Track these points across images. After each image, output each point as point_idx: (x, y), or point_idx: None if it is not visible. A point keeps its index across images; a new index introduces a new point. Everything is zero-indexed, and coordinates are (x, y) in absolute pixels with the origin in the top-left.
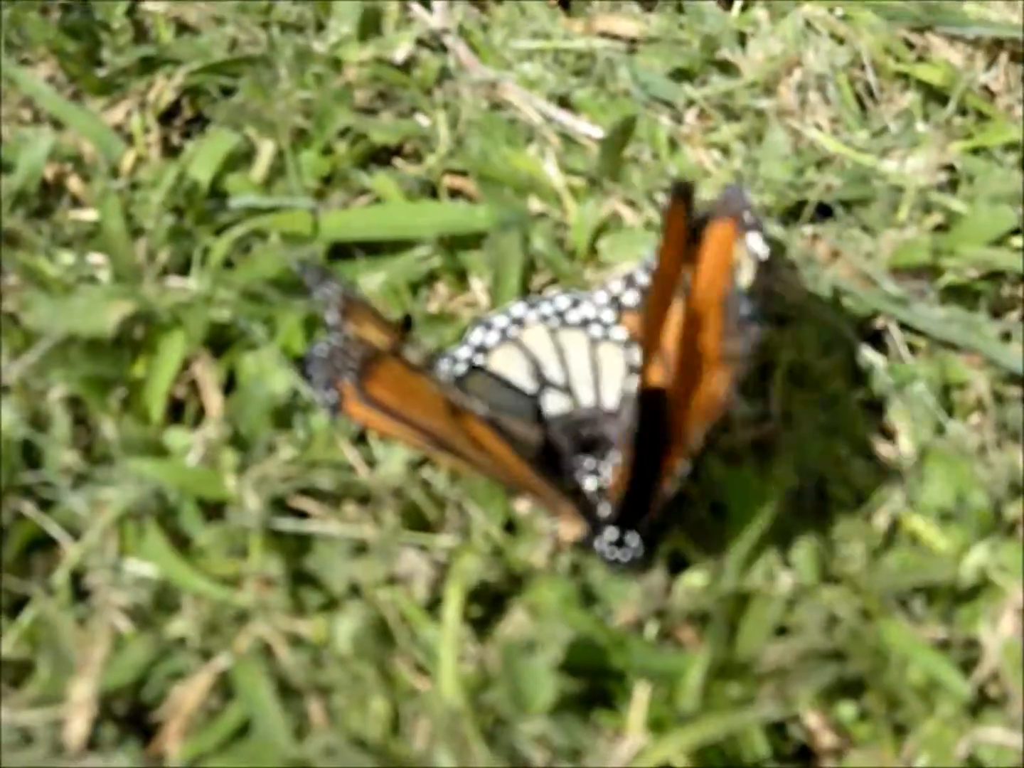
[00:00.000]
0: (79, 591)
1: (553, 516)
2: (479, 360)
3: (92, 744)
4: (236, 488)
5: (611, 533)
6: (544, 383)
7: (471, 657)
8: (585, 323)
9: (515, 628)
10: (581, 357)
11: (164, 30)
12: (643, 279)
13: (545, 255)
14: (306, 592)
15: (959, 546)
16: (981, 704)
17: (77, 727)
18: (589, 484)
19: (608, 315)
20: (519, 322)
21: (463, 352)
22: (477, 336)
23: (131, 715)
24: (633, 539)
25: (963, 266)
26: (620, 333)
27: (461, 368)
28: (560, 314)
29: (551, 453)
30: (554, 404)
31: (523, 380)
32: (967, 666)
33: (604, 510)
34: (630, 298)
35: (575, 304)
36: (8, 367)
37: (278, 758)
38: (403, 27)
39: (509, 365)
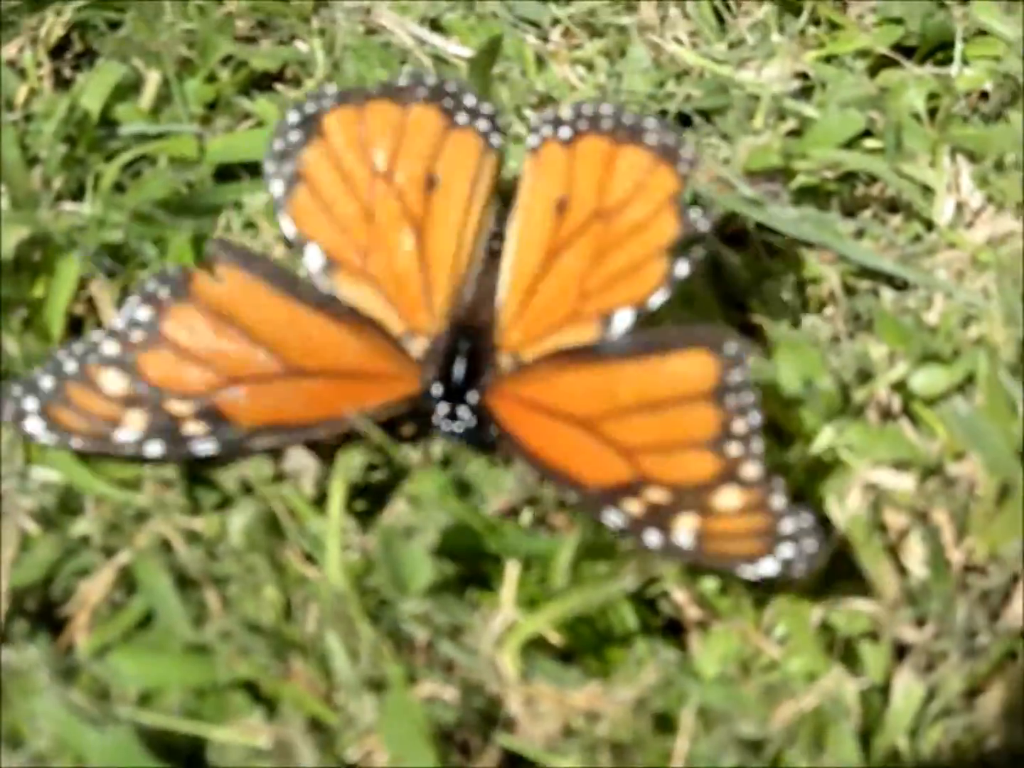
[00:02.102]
0: None
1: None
2: None
3: (5, 638)
4: None
5: (443, 407)
6: None
7: (355, 546)
8: None
9: (395, 518)
10: None
11: None
12: None
13: None
14: (200, 491)
15: (809, 428)
16: (834, 575)
17: None
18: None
19: None
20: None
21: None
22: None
23: (40, 611)
24: (464, 412)
25: (815, 168)
26: None
27: None
28: None
29: None
30: None
31: None
32: None
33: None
34: None
35: None
36: None
37: (179, 644)
38: None
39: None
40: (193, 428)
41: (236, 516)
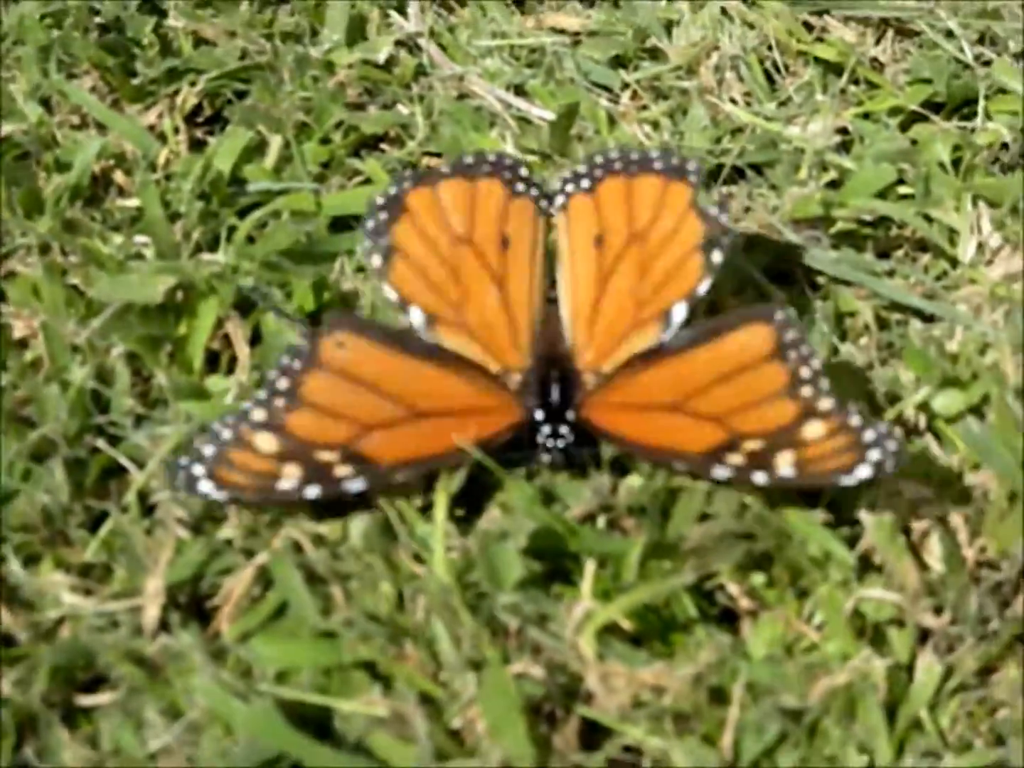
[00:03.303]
0: (146, 508)
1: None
2: None
3: (163, 627)
4: None
5: (546, 429)
6: None
7: (457, 547)
8: None
9: (490, 523)
10: None
11: (185, 43)
12: None
13: None
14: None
15: None
16: (864, 570)
17: (151, 613)
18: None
19: None
20: None
21: None
22: None
23: (191, 604)
24: (564, 430)
25: (852, 215)
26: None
27: None
28: None
29: None
30: None
31: None
32: (852, 541)
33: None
34: None
35: None
36: (77, 331)
37: (309, 631)
38: (384, 32)
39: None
40: (342, 471)
41: (356, 522)
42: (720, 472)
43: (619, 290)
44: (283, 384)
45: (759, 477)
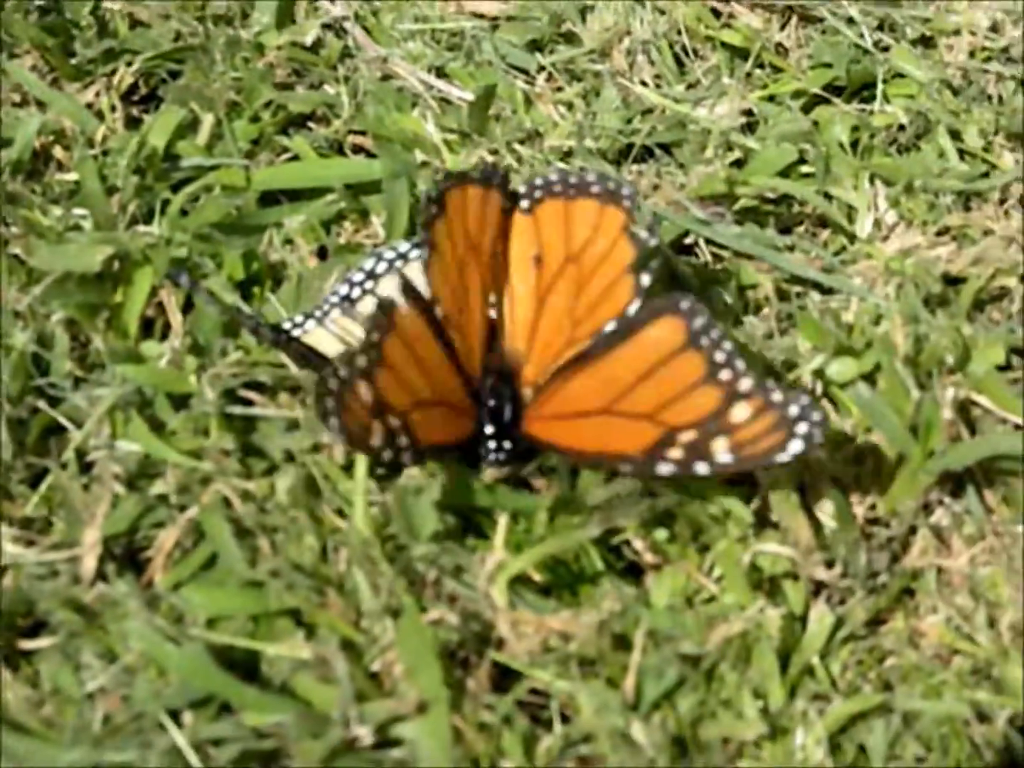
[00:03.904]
0: (83, 465)
1: None
2: (368, 285)
3: (100, 576)
4: (197, 384)
5: (491, 443)
6: None
7: (377, 503)
8: None
9: (407, 479)
10: None
11: (122, 25)
12: None
13: None
14: (253, 460)
15: None
16: (761, 527)
17: (89, 563)
18: None
19: None
20: (404, 256)
21: (357, 277)
22: (369, 264)
23: (126, 555)
24: (507, 444)
25: (755, 193)
26: None
27: (356, 292)
28: None
29: None
30: None
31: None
32: (749, 499)
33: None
34: None
35: None
36: (19, 298)
37: (238, 580)
38: (311, 15)
39: (395, 291)
40: (402, 440)
41: (282, 479)
42: (664, 469)
43: (555, 308)
44: (375, 337)
45: (701, 468)
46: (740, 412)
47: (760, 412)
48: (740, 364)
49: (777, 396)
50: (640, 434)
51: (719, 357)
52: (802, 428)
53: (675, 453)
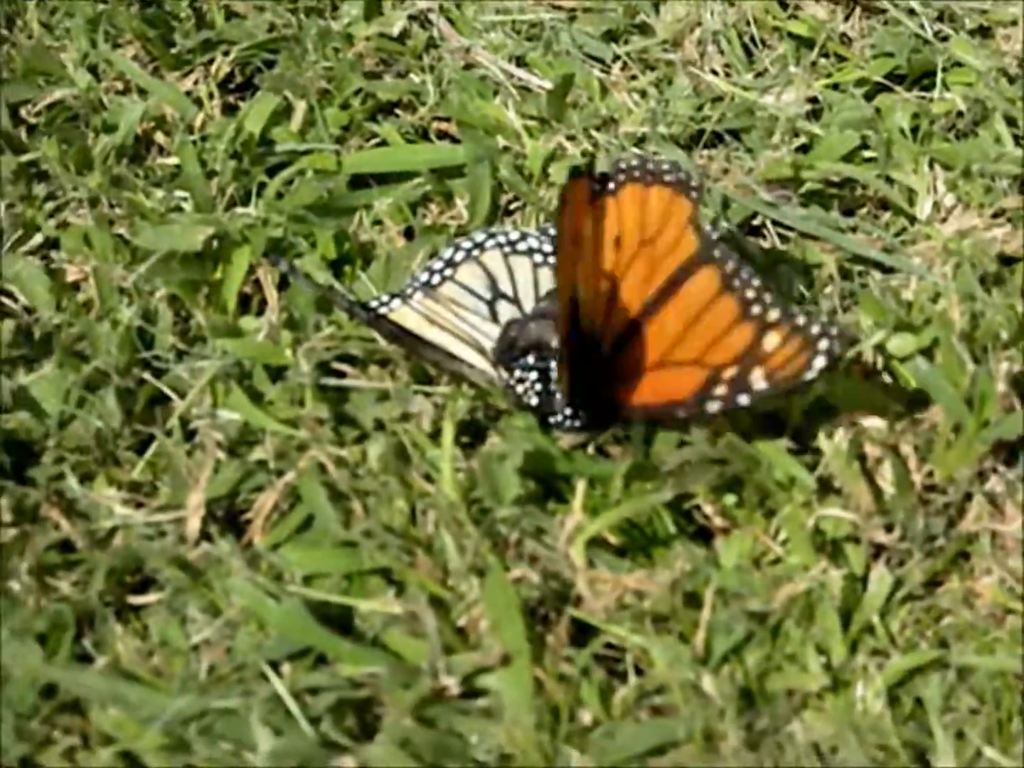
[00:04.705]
0: (187, 433)
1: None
2: (448, 272)
3: (204, 536)
4: (293, 357)
5: (566, 411)
6: (497, 294)
7: (463, 469)
8: (530, 251)
9: (491, 447)
10: (526, 277)
11: (219, 17)
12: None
13: (509, 180)
14: (345, 428)
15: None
16: (824, 493)
17: (193, 524)
18: (527, 372)
19: (546, 245)
20: (480, 246)
21: (437, 265)
22: (447, 253)
23: (228, 517)
24: (583, 414)
25: (819, 177)
26: (554, 260)
27: (436, 278)
28: (511, 243)
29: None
30: (504, 310)
31: (481, 290)
32: (813, 467)
33: (560, 400)
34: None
35: (523, 237)
36: (124, 276)
37: (332, 541)
38: (398, 7)
39: (472, 278)
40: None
41: (373, 446)
42: (712, 407)
43: (630, 288)
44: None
45: (743, 399)
46: (771, 341)
47: (788, 337)
48: (768, 297)
49: (800, 320)
50: (689, 379)
51: (750, 294)
52: (823, 344)
53: (720, 390)
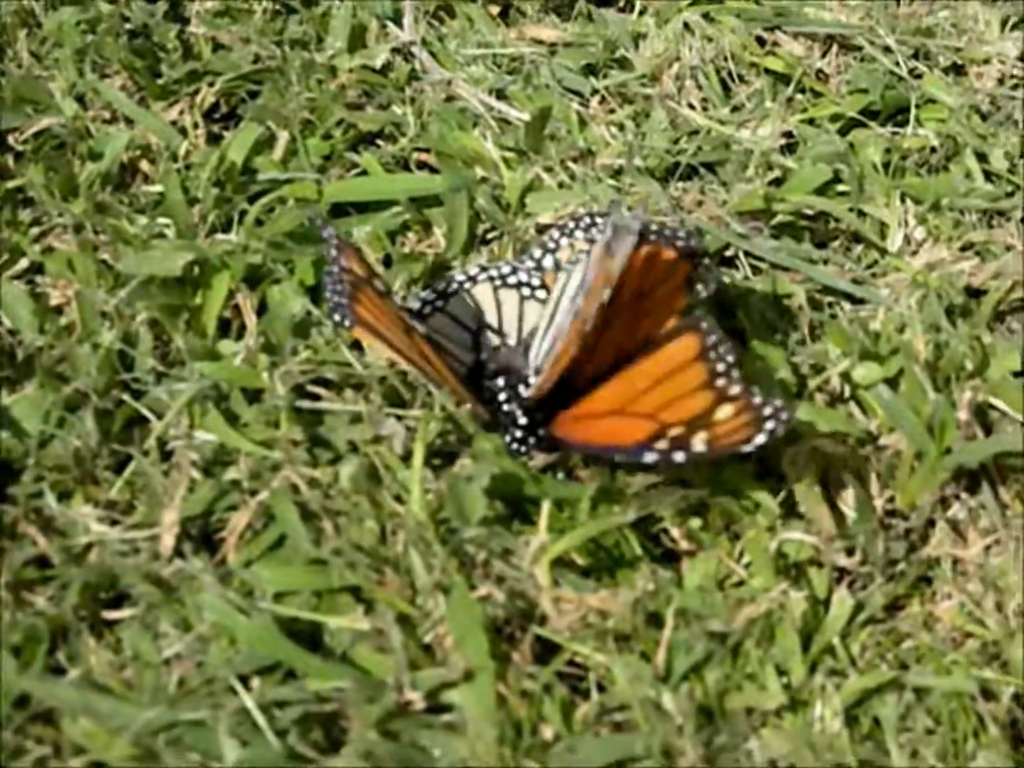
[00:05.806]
0: (163, 453)
1: (466, 408)
2: (439, 303)
3: (177, 553)
4: (269, 380)
5: (518, 431)
6: (482, 325)
7: (432, 490)
8: (518, 285)
9: (460, 468)
10: (512, 310)
11: (205, 48)
12: (557, 245)
13: (486, 209)
14: (319, 450)
15: None
16: (788, 517)
17: (167, 541)
18: (501, 396)
19: (535, 280)
20: (472, 279)
21: (429, 296)
22: (440, 286)
23: (202, 535)
24: (537, 435)
25: (791, 209)
26: (542, 294)
27: (427, 308)
28: (502, 277)
29: (478, 371)
30: (487, 339)
31: (468, 321)
32: (777, 491)
33: (518, 415)
34: (548, 262)
35: (513, 271)
36: (106, 300)
37: (303, 559)
38: (381, 40)
39: (460, 309)
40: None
41: (346, 467)
42: (649, 457)
43: (616, 330)
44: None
45: (678, 456)
46: (724, 411)
47: (740, 411)
48: (736, 373)
49: (757, 399)
50: (638, 429)
51: (720, 367)
52: (769, 425)
53: (661, 444)
